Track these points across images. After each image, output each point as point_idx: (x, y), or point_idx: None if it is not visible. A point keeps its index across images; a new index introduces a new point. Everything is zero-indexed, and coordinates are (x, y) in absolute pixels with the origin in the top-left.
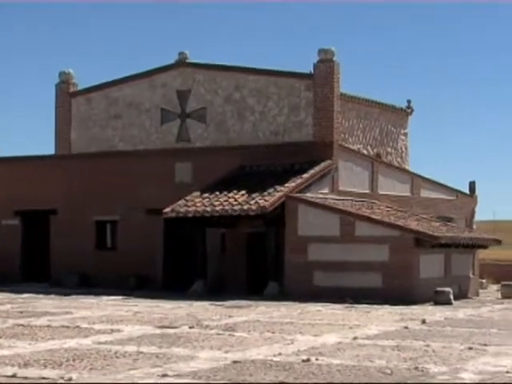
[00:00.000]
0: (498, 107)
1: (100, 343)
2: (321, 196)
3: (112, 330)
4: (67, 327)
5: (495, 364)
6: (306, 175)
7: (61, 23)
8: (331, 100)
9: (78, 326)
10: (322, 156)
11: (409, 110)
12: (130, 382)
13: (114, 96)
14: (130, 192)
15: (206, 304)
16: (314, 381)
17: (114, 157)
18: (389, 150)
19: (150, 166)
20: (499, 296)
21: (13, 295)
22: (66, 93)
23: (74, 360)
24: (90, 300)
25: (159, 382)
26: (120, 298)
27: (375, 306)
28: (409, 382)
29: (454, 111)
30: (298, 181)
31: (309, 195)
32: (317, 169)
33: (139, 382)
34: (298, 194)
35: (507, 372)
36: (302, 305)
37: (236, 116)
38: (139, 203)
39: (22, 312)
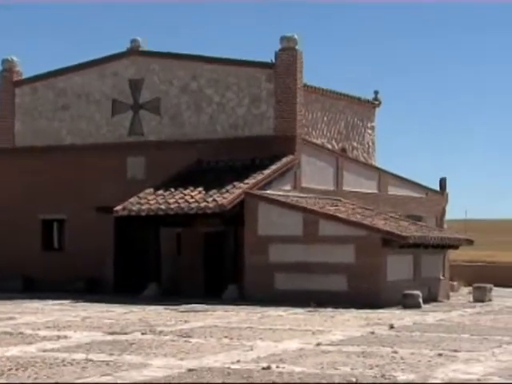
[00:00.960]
0: (470, 100)
1: (45, 351)
2: (282, 193)
3: (58, 337)
4: (10, 334)
5: (466, 371)
6: (266, 171)
7: (3, 6)
8: (294, 91)
9: (21, 333)
10: (284, 151)
11: (376, 103)
12: None
13: (61, 86)
14: (79, 189)
15: (159, 308)
16: None
17: (61, 151)
18: (355, 144)
19: (100, 161)
20: (471, 299)
21: None
22: (9, 81)
23: (17, 369)
24: (35, 304)
25: None
26: (67, 302)
27: (340, 310)
28: None
29: (424, 103)
30: (259, 177)
31: (270, 192)
32: (278, 164)
33: None
34: (258, 191)
35: (478, 380)
36: (263, 309)
37: (192, 107)
38: (88, 201)
39: None
